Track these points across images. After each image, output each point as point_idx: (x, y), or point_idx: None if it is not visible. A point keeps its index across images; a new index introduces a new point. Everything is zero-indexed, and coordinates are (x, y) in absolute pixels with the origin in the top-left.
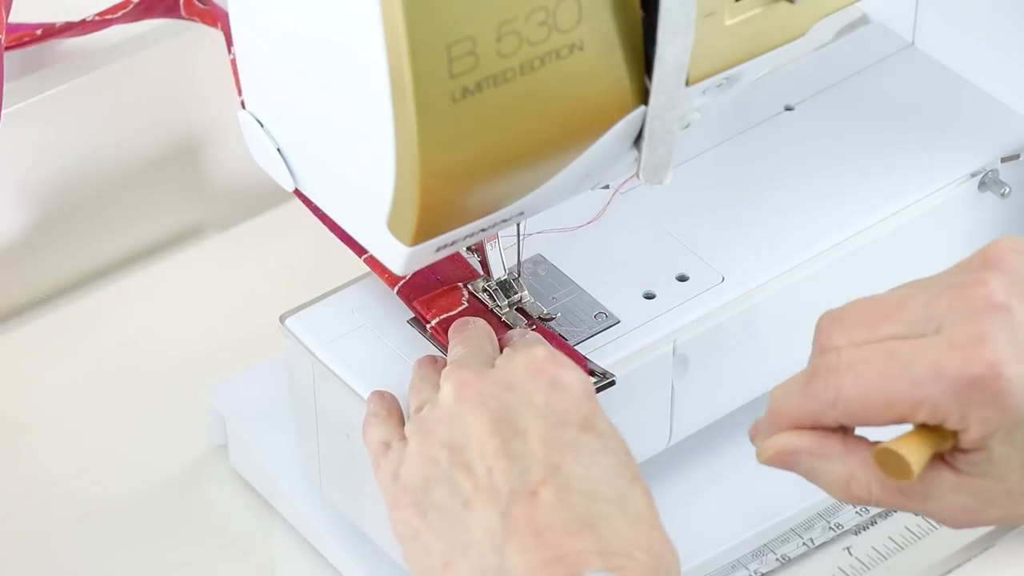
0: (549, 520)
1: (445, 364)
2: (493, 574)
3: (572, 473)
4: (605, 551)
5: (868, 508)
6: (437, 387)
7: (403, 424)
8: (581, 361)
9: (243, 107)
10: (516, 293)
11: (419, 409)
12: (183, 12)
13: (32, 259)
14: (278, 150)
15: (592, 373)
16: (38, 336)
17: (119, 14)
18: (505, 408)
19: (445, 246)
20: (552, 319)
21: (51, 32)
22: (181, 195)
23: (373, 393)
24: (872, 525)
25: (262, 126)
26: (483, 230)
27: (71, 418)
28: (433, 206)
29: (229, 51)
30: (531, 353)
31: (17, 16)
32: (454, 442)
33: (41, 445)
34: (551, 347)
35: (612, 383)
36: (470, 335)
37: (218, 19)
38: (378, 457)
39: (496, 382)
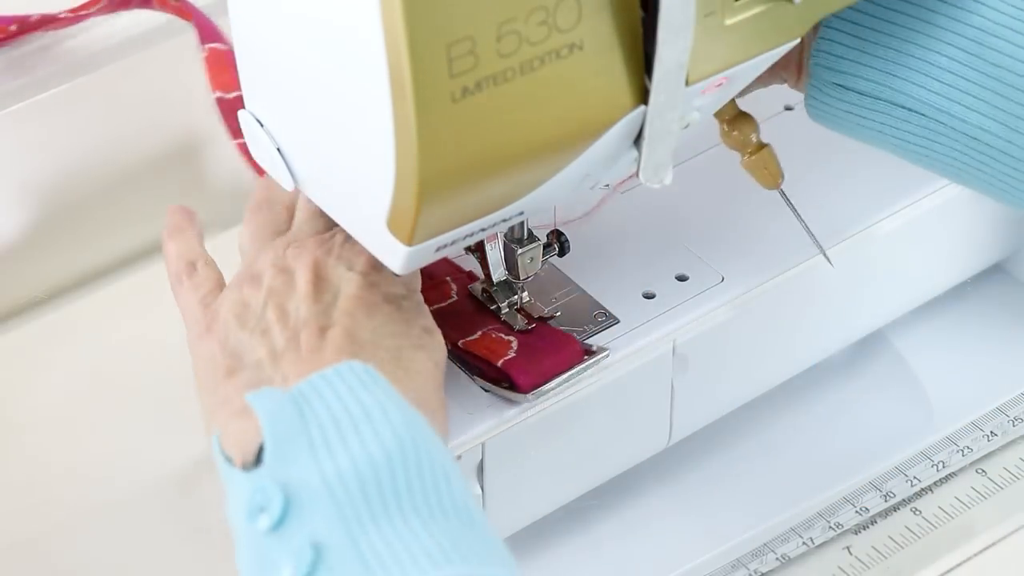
0: (328, 345)
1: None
2: (268, 381)
3: (361, 324)
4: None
5: (868, 508)
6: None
7: (202, 243)
8: (573, 343)
9: (217, 100)
10: (516, 294)
11: (248, 250)
12: (155, 4)
13: (32, 259)
14: (278, 150)
15: (588, 352)
16: (38, 336)
17: (94, 8)
18: (329, 269)
19: (445, 246)
20: (552, 318)
21: (26, 27)
22: (181, 195)
23: (174, 206)
24: (872, 525)
25: (262, 126)
26: (483, 230)
27: (71, 418)
28: (433, 206)
29: (202, 46)
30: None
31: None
32: (275, 288)
33: (41, 445)
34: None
35: (606, 355)
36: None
37: (191, 14)
38: (181, 275)
39: (330, 251)
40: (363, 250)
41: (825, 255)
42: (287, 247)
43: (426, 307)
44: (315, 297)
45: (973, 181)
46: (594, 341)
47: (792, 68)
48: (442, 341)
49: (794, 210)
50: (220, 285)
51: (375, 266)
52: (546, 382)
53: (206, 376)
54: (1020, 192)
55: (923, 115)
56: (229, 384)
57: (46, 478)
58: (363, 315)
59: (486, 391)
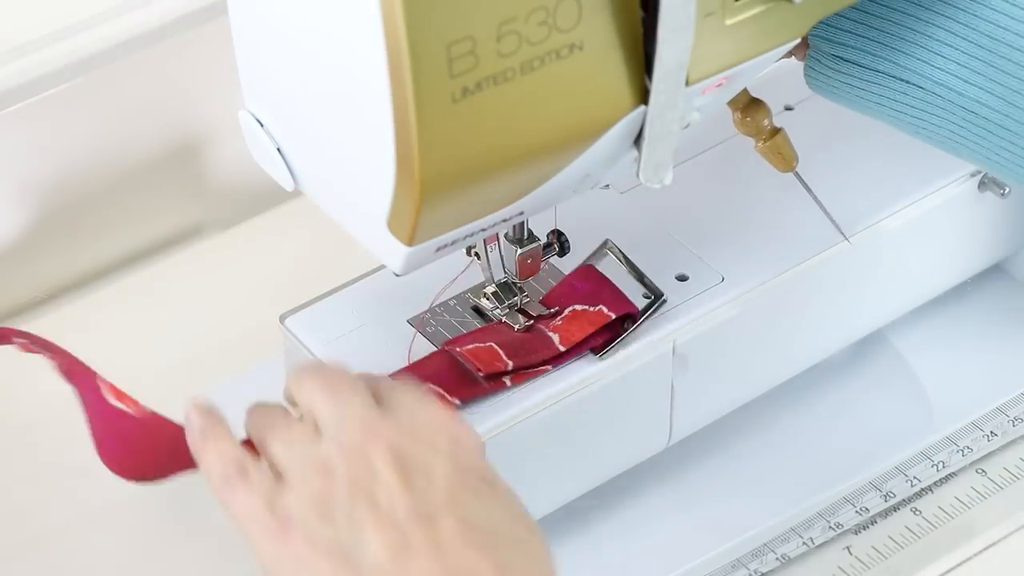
0: (451, 539)
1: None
2: None
3: (473, 510)
4: (506, 570)
5: (868, 508)
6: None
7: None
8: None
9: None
10: (516, 295)
11: (285, 443)
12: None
13: (32, 259)
14: (278, 150)
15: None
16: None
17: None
18: (410, 450)
19: (445, 246)
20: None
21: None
22: (181, 195)
23: (198, 407)
24: (872, 525)
25: (262, 126)
26: (483, 230)
27: (71, 418)
28: (433, 206)
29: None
30: (435, 410)
31: (23, 16)
32: (355, 477)
33: (41, 445)
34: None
35: (662, 298)
36: (343, 389)
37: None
38: (231, 479)
39: (402, 428)
40: (439, 423)
41: (842, 232)
42: (342, 425)
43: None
44: (407, 485)
45: (970, 154)
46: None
47: None
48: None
49: (810, 191)
50: (279, 482)
51: (457, 441)
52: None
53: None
54: (1016, 165)
55: (921, 88)
56: None
57: (46, 478)
58: (470, 500)
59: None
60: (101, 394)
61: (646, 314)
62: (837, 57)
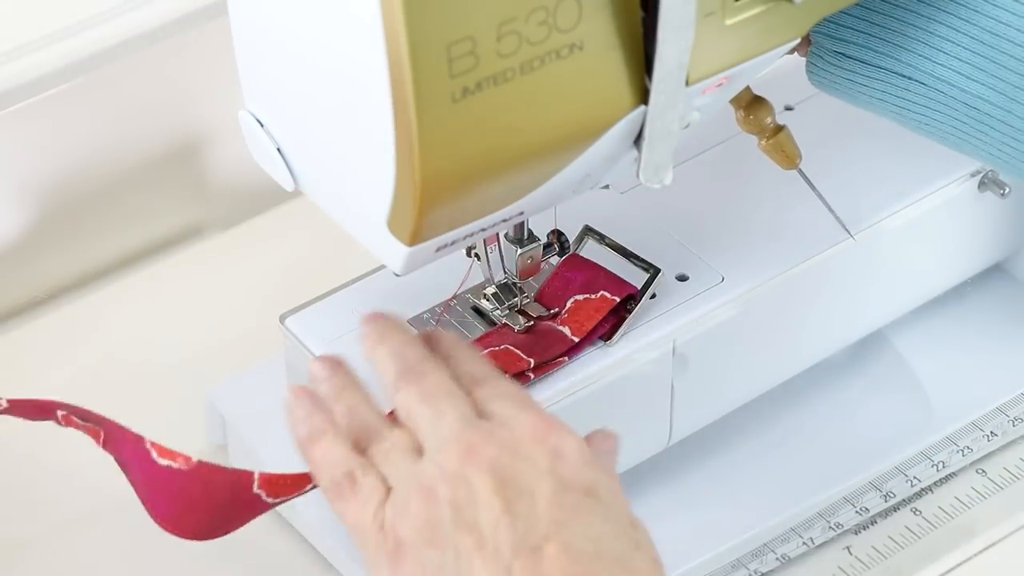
0: (552, 570)
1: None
2: None
3: (576, 532)
4: None
5: (868, 508)
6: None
7: (351, 446)
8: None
9: None
10: (516, 296)
11: (386, 454)
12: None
13: (32, 259)
14: (278, 150)
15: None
16: (38, 336)
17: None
18: (511, 470)
19: (445, 246)
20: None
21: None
22: (181, 195)
23: (297, 404)
24: (872, 525)
25: (262, 126)
26: (483, 230)
27: None
28: (433, 206)
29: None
30: (533, 419)
31: (23, 16)
32: (458, 502)
33: (41, 445)
34: (544, 412)
35: (658, 271)
36: (427, 370)
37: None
38: (343, 488)
39: (501, 446)
40: (538, 434)
41: (847, 230)
42: (443, 448)
43: (618, 485)
44: (509, 510)
45: (973, 150)
46: (594, 341)
47: None
48: (647, 529)
49: (814, 188)
50: (386, 491)
51: (557, 453)
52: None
53: None
54: (1018, 161)
55: (923, 84)
56: None
57: (46, 478)
58: (573, 521)
59: None
60: (151, 457)
61: (646, 289)
62: (839, 54)
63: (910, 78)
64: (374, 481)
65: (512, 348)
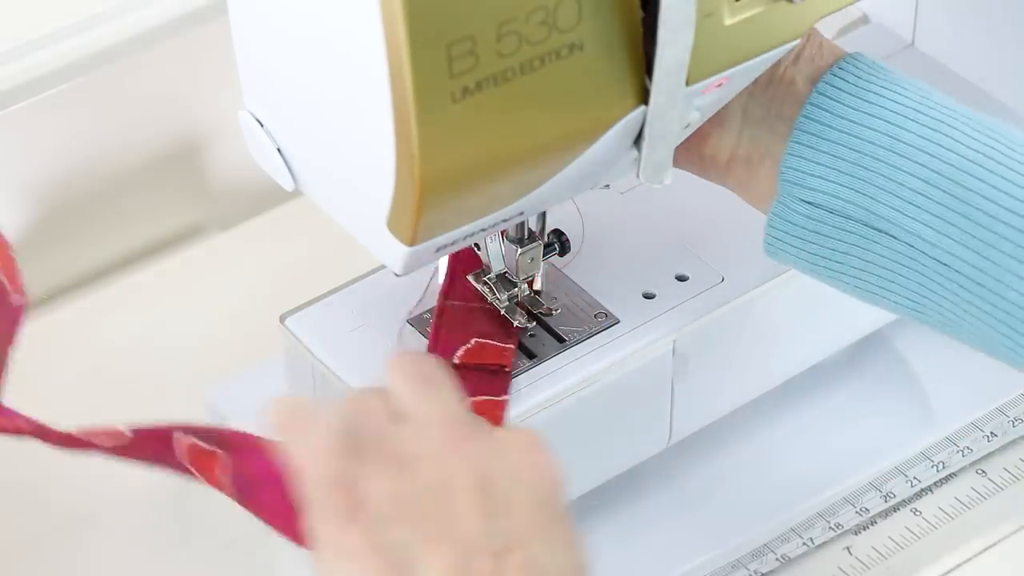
0: None
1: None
2: None
3: (540, 551)
4: None
5: (868, 508)
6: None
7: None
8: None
9: None
10: (515, 287)
11: (375, 436)
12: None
13: (32, 259)
14: (278, 150)
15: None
16: (38, 336)
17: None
18: (492, 471)
19: (445, 246)
20: (552, 313)
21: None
22: (181, 195)
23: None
24: (872, 525)
25: (262, 126)
26: (483, 230)
27: (71, 418)
28: (433, 206)
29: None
30: (521, 434)
31: (23, 16)
32: (432, 485)
33: (41, 445)
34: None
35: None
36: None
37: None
38: (298, 419)
39: (488, 445)
40: (523, 446)
41: None
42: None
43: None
44: (484, 511)
45: (937, 310)
46: (594, 341)
47: (758, 181)
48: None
49: None
50: (353, 442)
51: (538, 469)
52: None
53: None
54: (986, 326)
55: (893, 236)
56: None
57: (46, 478)
58: (540, 540)
59: None
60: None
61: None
62: (806, 203)
63: (879, 230)
64: (337, 424)
65: (483, 340)
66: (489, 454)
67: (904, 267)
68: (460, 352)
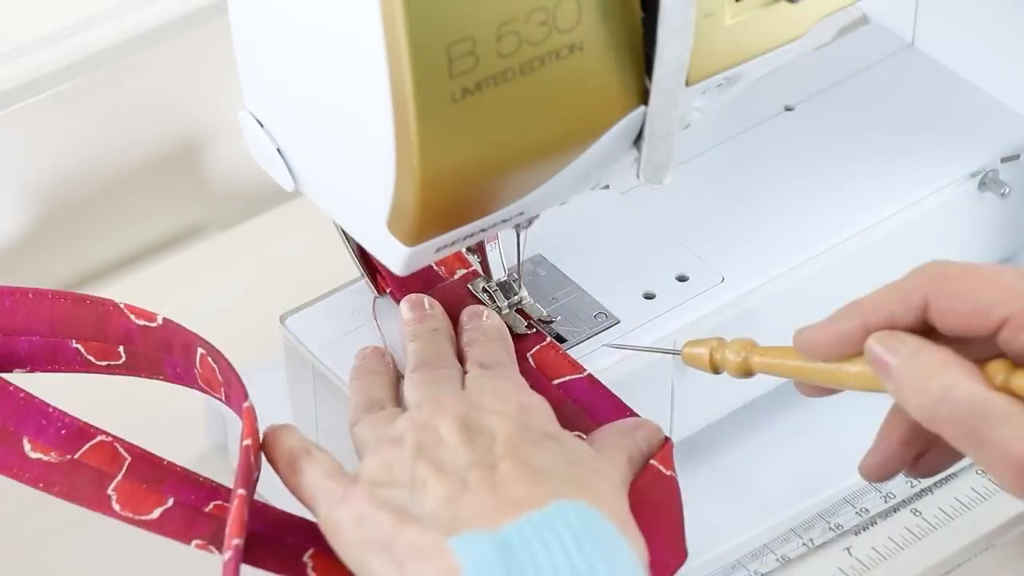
0: (507, 478)
1: (392, 362)
2: (447, 524)
3: (532, 456)
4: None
5: (868, 509)
6: (388, 388)
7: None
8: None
9: None
10: (516, 294)
11: (373, 406)
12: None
13: (32, 259)
14: (278, 150)
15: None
16: None
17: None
18: (476, 417)
19: (445, 246)
20: (552, 321)
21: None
22: (181, 195)
23: (272, 431)
24: (872, 525)
25: (262, 126)
26: (483, 230)
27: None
28: (433, 206)
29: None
30: (501, 384)
31: (23, 16)
32: (422, 443)
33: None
34: (519, 378)
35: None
36: (431, 334)
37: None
38: (296, 461)
39: (471, 404)
40: (508, 395)
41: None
42: (419, 407)
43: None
44: (470, 443)
45: None
46: (594, 342)
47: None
48: (610, 465)
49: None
50: (340, 465)
51: (524, 408)
52: None
53: (363, 536)
54: None
55: None
56: (408, 531)
57: None
58: (529, 447)
59: None
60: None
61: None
62: None
63: None
64: (329, 454)
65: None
66: (471, 409)
67: None
68: None
